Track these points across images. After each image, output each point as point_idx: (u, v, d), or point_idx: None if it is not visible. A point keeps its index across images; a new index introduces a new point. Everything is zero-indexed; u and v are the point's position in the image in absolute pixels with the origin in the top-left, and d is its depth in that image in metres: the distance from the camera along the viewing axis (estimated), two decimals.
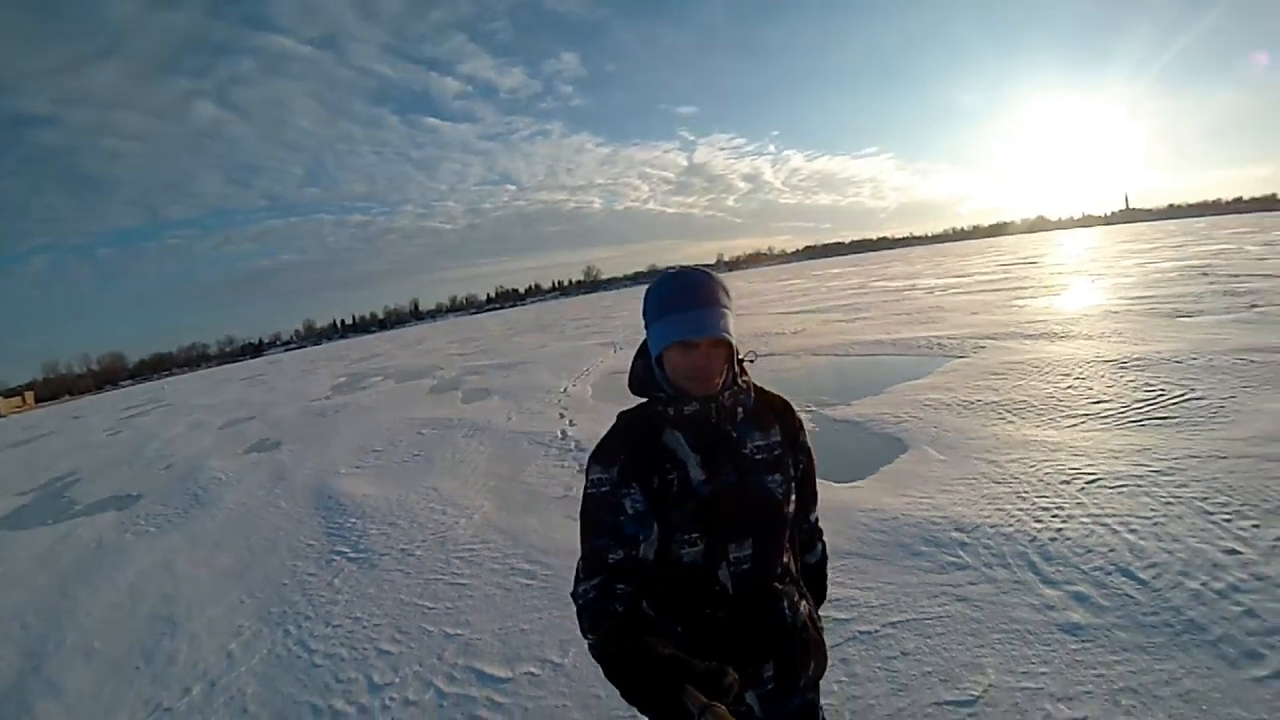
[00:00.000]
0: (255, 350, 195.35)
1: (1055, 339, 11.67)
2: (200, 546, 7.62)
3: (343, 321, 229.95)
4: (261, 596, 5.77)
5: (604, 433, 1.76)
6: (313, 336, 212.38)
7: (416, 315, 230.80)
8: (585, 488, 1.71)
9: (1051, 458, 5.92)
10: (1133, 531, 4.34)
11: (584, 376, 16.06)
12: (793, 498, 1.81)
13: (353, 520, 7.46)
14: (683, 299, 1.65)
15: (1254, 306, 12.65)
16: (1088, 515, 4.68)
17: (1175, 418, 6.56)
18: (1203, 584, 3.68)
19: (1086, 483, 5.25)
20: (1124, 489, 5.06)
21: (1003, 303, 18.46)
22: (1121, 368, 8.80)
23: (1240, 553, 3.94)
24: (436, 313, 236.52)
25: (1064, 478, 5.42)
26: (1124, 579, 3.86)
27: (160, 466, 14.15)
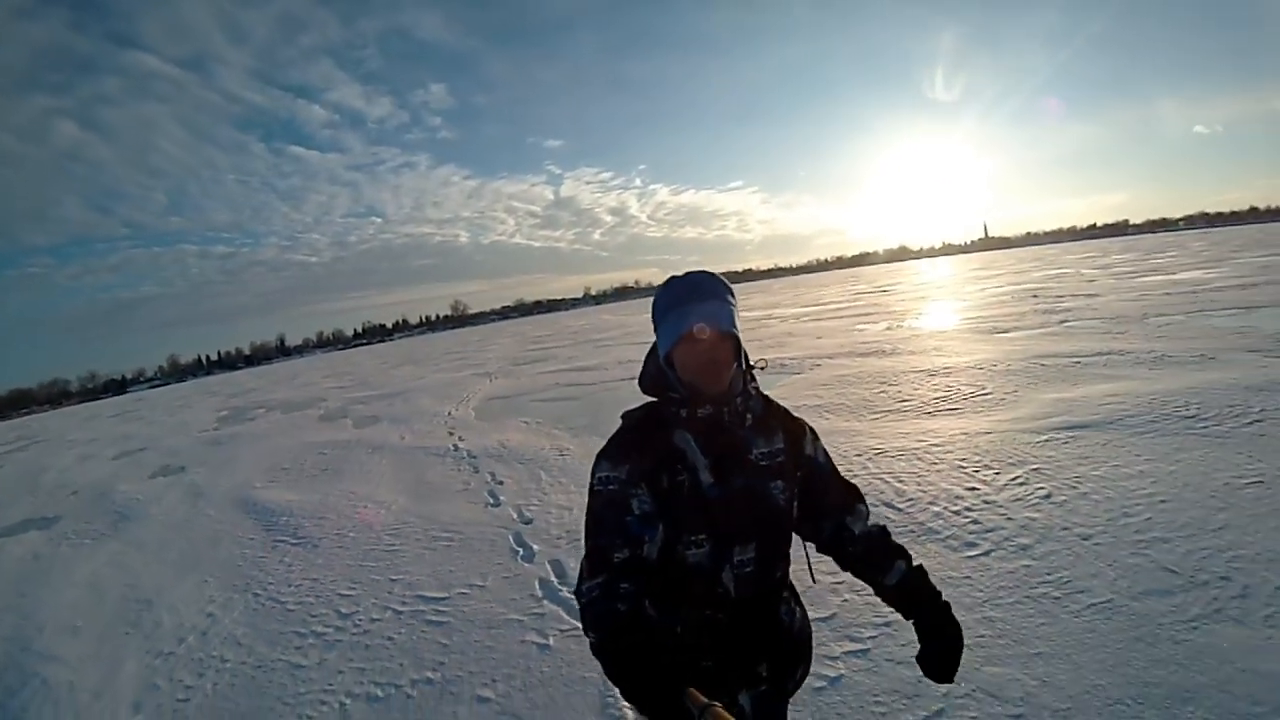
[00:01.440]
0: (119, 387, 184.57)
1: (882, 356, 13.75)
2: (144, 549, 8.14)
3: (208, 357, 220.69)
4: (222, 576, 6.59)
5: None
6: (178, 373, 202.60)
7: (283, 351, 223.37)
8: (592, 485, 1.70)
9: (851, 441, 7.62)
10: (900, 481, 6.07)
11: (465, 402, 16.98)
12: (794, 505, 1.82)
13: (284, 519, 8.27)
14: (688, 296, 1.68)
15: (1064, 322, 15.40)
16: (868, 474, 6.41)
17: (960, 409, 8.41)
18: (944, 508, 5.35)
19: (874, 454, 7.00)
20: (901, 457, 6.79)
21: (845, 328, 20.80)
22: (931, 375, 10.77)
23: (978, 489, 5.64)
24: (304, 348, 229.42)
25: (857, 452, 7.13)
26: (885, 508, 5.55)
27: (66, 493, 13.90)
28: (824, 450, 1.93)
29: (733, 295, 1.74)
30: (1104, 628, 3.43)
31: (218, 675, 4.59)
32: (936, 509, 5.36)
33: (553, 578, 5.32)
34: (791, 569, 1.90)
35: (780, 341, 19.20)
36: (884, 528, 1.91)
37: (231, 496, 10.24)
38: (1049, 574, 4.09)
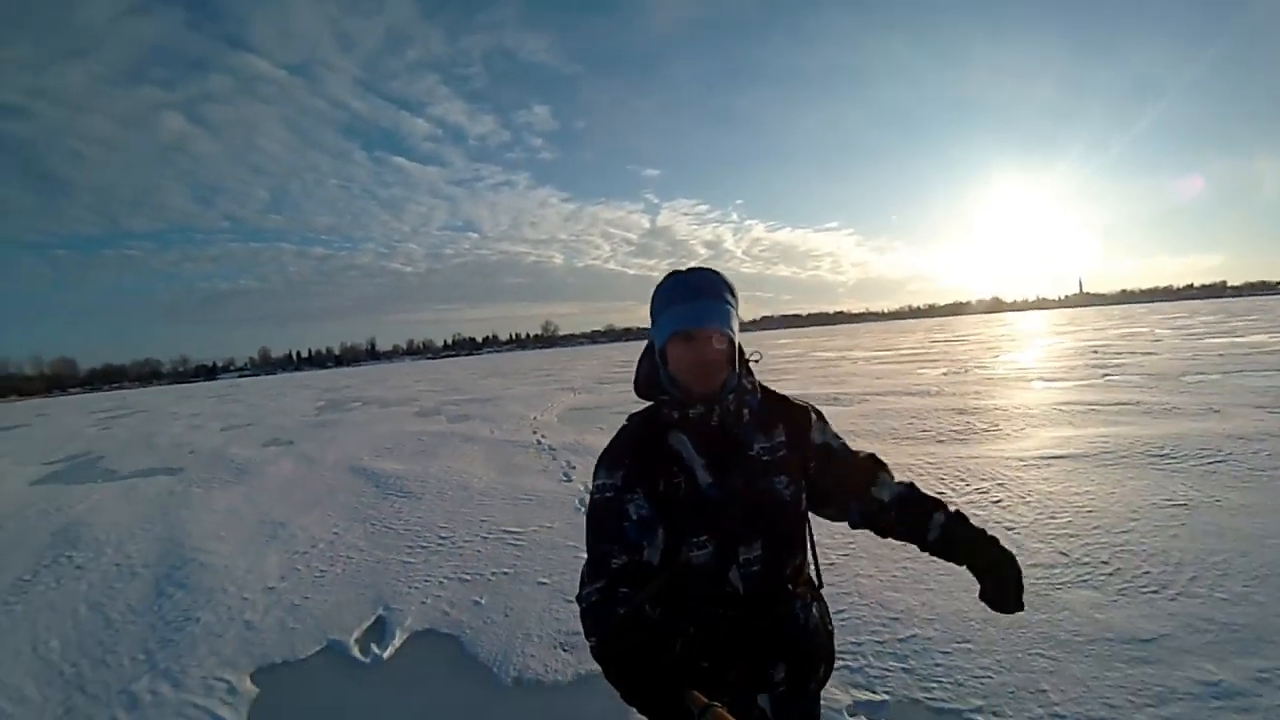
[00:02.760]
0: (209, 373, 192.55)
1: (926, 396, 14.97)
2: (269, 493, 10.07)
3: (299, 354, 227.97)
4: (342, 512, 8.39)
5: (607, 438, 1.85)
6: (267, 366, 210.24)
7: (373, 355, 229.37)
8: (591, 493, 1.74)
9: (895, 458, 8.87)
10: (918, 477, 7.32)
11: (549, 409, 18.74)
12: (802, 497, 1.83)
13: (390, 480, 10.09)
14: (686, 292, 1.71)
15: (1106, 376, 16.24)
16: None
17: (968, 440, 9.63)
18: (945, 486, 6.63)
19: (894, 466, 8.27)
20: (897, 470, 7.99)
21: (906, 371, 21.90)
22: (958, 413, 11.95)
23: (944, 494, 6.69)
24: (393, 354, 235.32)
25: (906, 461, 8.41)
26: None
27: (184, 452, 16.28)
28: (834, 432, 1.94)
29: (734, 295, 1.77)
30: None
31: (345, 565, 6.31)
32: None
33: None
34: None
35: (843, 379, 20.56)
36: (912, 484, 1.94)
37: (342, 464, 12.17)
38: None
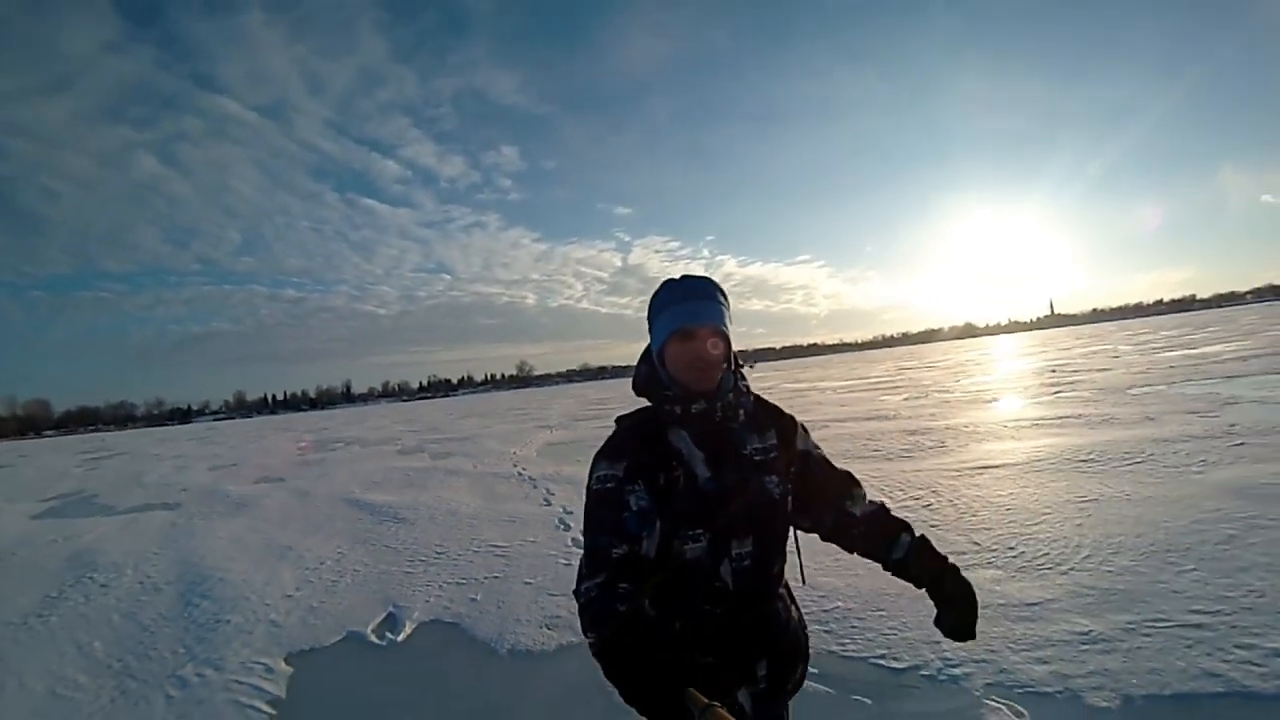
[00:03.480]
0: (184, 416, 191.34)
1: (883, 420, 16.10)
2: (270, 523, 10.82)
3: (274, 396, 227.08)
4: (343, 536, 9.19)
5: (585, 469, 1.91)
6: (243, 409, 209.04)
7: (348, 397, 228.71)
8: (590, 485, 1.79)
9: (866, 472, 9.82)
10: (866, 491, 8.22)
11: (528, 445, 19.64)
12: (789, 499, 1.89)
13: (384, 509, 10.90)
14: (682, 294, 1.82)
15: (1057, 393, 17.48)
16: None
17: (914, 457, 10.66)
18: (887, 497, 7.49)
19: (863, 479, 9.14)
20: (888, 482, 8.91)
21: (869, 399, 23.10)
22: (909, 434, 13.05)
23: (884, 502, 7.78)
24: (368, 396, 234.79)
25: (860, 474, 9.32)
26: None
27: (175, 489, 16.90)
28: (814, 443, 2.04)
29: (725, 298, 1.86)
30: None
31: (353, 577, 7.17)
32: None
33: (579, 536, 7.80)
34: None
35: (807, 408, 21.63)
36: (883, 505, 2.06)
37: (335, 496, 12.97)
38: None
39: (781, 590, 1.96)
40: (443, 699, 4.38)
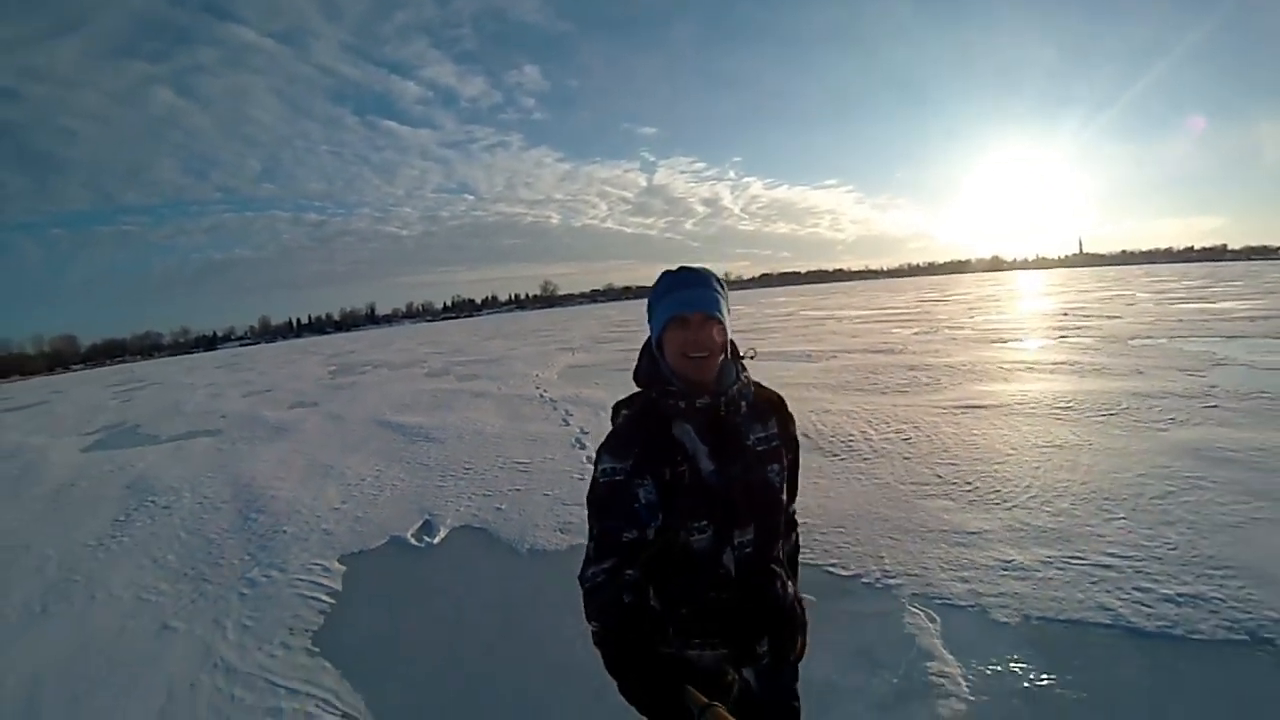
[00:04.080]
0: (209, 343, 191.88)
1: (889, 354, 16.75)
2: (310, 444, 11.79)
3: (298, 320, 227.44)
4: (378, 455, 10.14)
5: (613, 419, 2.02)
6: (268, 334, 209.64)
7: (373, 319, 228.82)
8: (596, 476, 1.85)
9: (815, 403, 10.65)
10: (825, 425, 8.97)
11: (550, 368, 20.57)
12: (785, 485, 2.00)
13: (415, 430, 11.85)
14: (678, 283, 1.88)
15: (1062, 338, 17.79)
16: (812, 421, 9.27)
17: (907, 391, 11.34)
18: (838, 438, 8.30)
19: (823, 411, 9.94)
20: (840, 414, 9.72)
21: (881, 330, 23.74)
22: (909, 369, 13.70)
23: (868, 432, 8.55)
24: (392, 318, 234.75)
25: (812, 409, 10.07)
26: (803, 437, 8.44)
27: (215, 416, 17.91)
28: (796, 437, 2.12)
29: (722, 287, 1.92)
30: (876, 494, 6.39)
31: (392, 491, 8.09)
32: (834, 438, 8.33)
33: (594, 454, 8.62)
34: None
35: (821, 338, 22.46)
36: (797, 548, 2.19)
37: (368, 419, 13.95)
38: (864, 470, 7.11)
39: (780, 569, 2.01)
40: (474, 591, 5.25)
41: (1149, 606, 4.06)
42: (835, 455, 7.82)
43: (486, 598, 5.11)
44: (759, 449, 1.91)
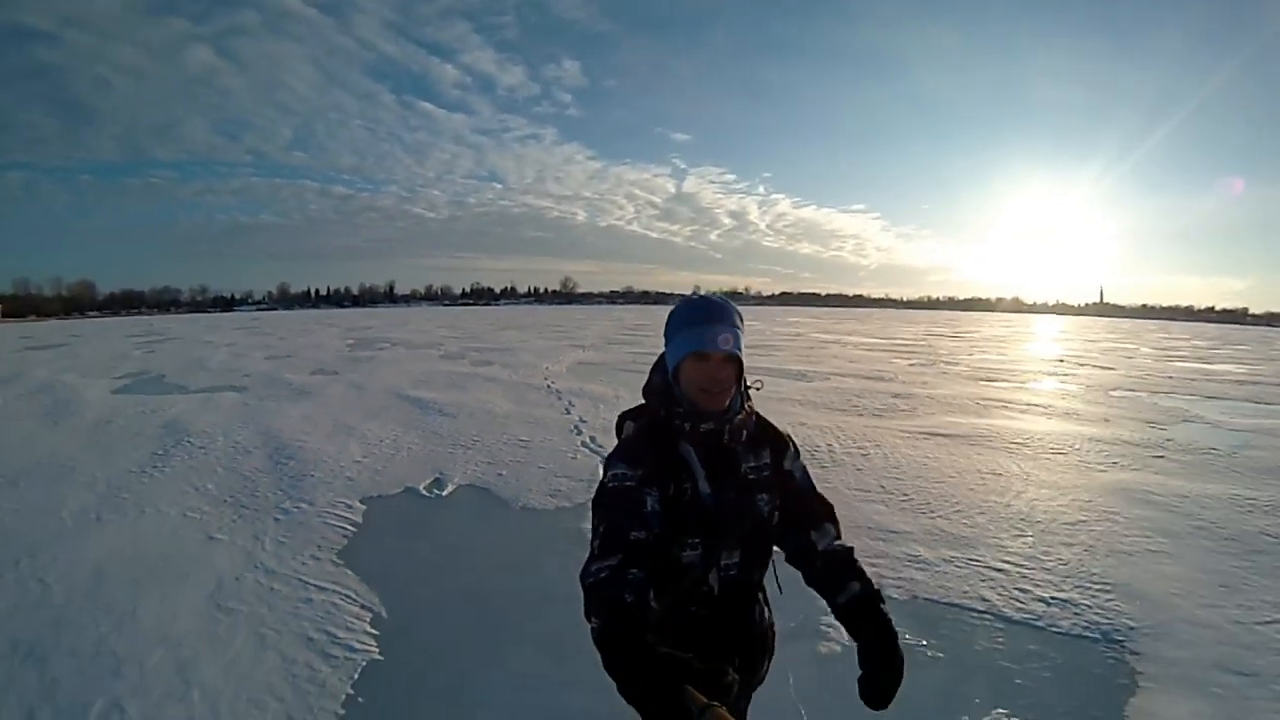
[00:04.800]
0: (226, 304, 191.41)
1: (879, 380, 17.76)
2: (332, 407, 12.88)
3: (317, 291, 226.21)
4: (397, 423, 11.20)
5: (618, 429, 2.11)
6: (285, 301, 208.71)
7: (391, 297, 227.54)
8: (605, 482, 1.91)
9: (794, 419, 11.52)
10: (798, 438, 9.91)
11: (560, 362, 21.73)
12: (776, 515, 2.06)
13: (430, 404, 12.98)
14: (702, 317, 1.92)
15: (1048, 383, 18.70)
16: (800, 434, 10.32)
17: (882, 416, 12.29)
18: (805, 449, 9.24)
19: (800, 425, 10.80)
20: (815, 430, 10.63)
21: (879, 359, 24.62)
22: (893, 396, 14.69)
23: (833, 447, 9.50)
24: (411, 298, 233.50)
25: (790, 422, 10.93)
26: (814, 447, 9.50)
27: (239, 375, 19.01)
28: (802, 466, 2.20)
29: (741, 321, 1.98)
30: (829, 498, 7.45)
31: (408, 452, 9.21)
32: (801, 449, 9.22)
33: (588, 440, 9.78)
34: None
35: (820, 360, 23.44)
36: (849, 549, 2.11)
37: (387, 391, 15.10)
38: (818, 476, 7.99)
39: (760, 595, 2.14)
40: (472, 533, 6.38)
41: (1022, 603, 4.93)
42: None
43: (482, 539, 6.22)
44: (751, 477, 2.01)
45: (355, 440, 9.98)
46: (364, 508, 6.99)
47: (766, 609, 2.17)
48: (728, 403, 1.95)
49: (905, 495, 7.47)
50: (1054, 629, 4.61)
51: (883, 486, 7.80)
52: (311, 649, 4.25)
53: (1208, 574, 5.51)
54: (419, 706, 3.72)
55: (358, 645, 4.31)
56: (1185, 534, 6.44)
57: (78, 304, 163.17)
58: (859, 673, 1.83)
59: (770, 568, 2.16)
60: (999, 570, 5.50)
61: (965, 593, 5.10)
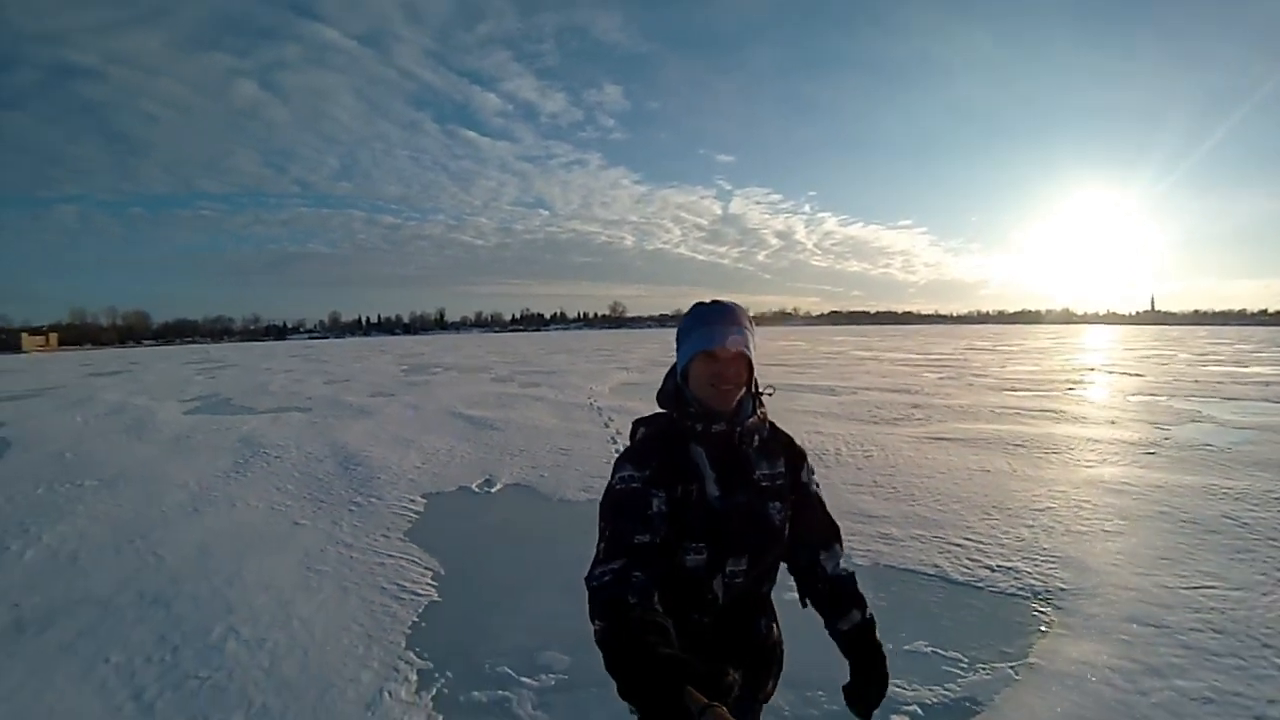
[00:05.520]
0: (279, 333, 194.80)
1: (903, 393, 18.75)
2: (391, 424, 14.28)
3: (368, 319, 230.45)
4: (451, 437, 12.53)
5: (632, 435, 2.12)
6: (337, 329, 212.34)
7: (441, 324, 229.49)
8: (613, 484, 1.93)
9: (813, 426, 12.54)
10: (810, 444, 10.93)
11: (604, 383, 23.13)
12: (787, 526, 2.04)
13: (482, 421, 14.37)
14: (710, 318, 1.96)
15: (1070, 390, 19.29)
16: (804, 436, 11.31)
17: (897, 424, 13.26)
18: (812, 452, 10.26)
19: (815, 433, 11.74)
20: (829, 436, 11.57)
21: (913, 373, 25.60)
22: (913, 407, 15.66)
23: (840, 450, 10.43)
24: (461, 325, 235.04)
25: (809, 430, 11.98)
26: (824, 450, 10.56)
27: (301, 398, 20.75)
28: (817, 482, 2.19)
29: (750, 324, 2.01)
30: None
31: (462, 460, 10.51)
32: (812, 452, 10.02)
33: (622, 448, 10.84)
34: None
35: (851, 376, 24.65)
36: (852, 575, 2.13)
37: (441, 410, 16.55)
38: (820, 474, 8.85)
39: (768, 606, 2.13)
40: (517, 518, 7.64)
41: (969, 570, 5.83)
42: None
43: (524, 522, 7.48)
44: (763, 484, 1.99)
45: (414, 450, 11.28)
46: (424, 501, 8.27)
47: (775, 624, 2.19)
48: (736, 402, 1.98)
49: (893, 488, 8.43)
50: (993, 589, 5.43)
51: (875, 481, 8.79)
52: (385, 594, 5.49)
53: (1153, 549, 6.20)
54: (466, 630, 4.91)
55: (420, 591, 5.55)
56: (1146, 517, 7.12)
57: (132, 333, 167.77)
58: (845, 681, 2.00)
59: (795, 582, 2.20)
60: (958, 545, 6.38)
61: (922, 561, 6.04)
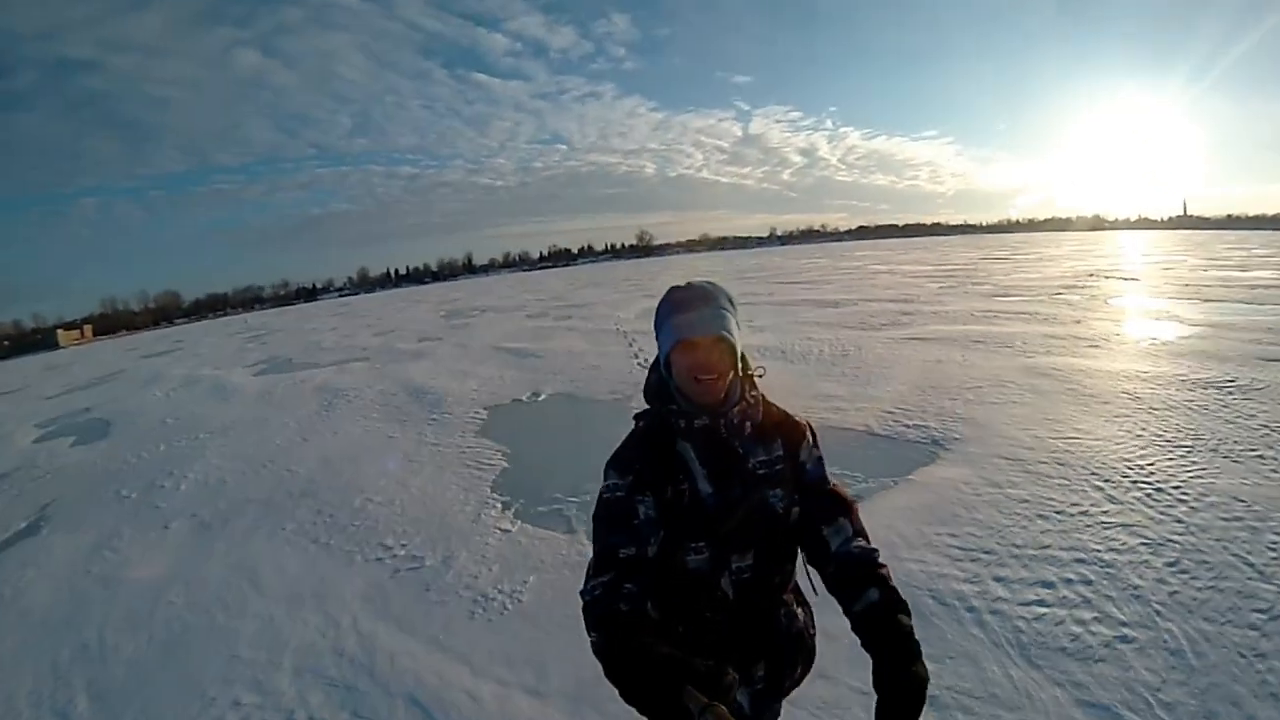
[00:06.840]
0: (309, 294, 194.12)
1: (900, 302, 20.44)
2: (445, 362, 16.76)
3: (396, 271, 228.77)
4: (499, 366, 15.00)
5: (624, 429, 2.03)
6: (367, 285, 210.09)
7: (470, 269, 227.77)
8: (601, 492, 1.92)
9: (809, 335, 14.53)
10: (819, 345, 13.12)
11: (629, 310, 25.52)
12: (794, 510, 1.94)
13: (523, 351, 16.91)
14: (684, 303, 1.86)
15: (1057, 294, 20.23)
16: (802, 344, 13.52)
17: (884, 327, 15.18)
18: (828, 349, 12.50)
19: (816, 339, 13.89)
20: (824, 340, 13.65)
21: (917, 284, 26.85)
22: (903, 313, 17.54)
23: (826, 352, 12.77)
24: (490, 267, 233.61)
25: (810, 338, 14.05)
26: (808, 352, 12.74)
27: (357, 349, 23.09)
28: (817, 457, 2.03)
29: (732, 303, 1.91)
30: (793, 377, 10.36)
31: (511, 381, 13.05)
32: (799, 353, 11.95)
33: (642, 361, 12.71)
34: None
35: (861, 289, 26.71)
36: (871, 552, 1.88)
37: (486, 346, 19.12)
38: (799, 369, 10.87)
39: (788, 596, 2.07)
40: (560, 416, 10.17)
41: (889, 425, 7.83)
42: (790, 361, 12.10)
43: (566, 417, 10.05)
44: (760, 472, 1.92)
45: (470, 379, 13.75)
46: (486, 412, 10.77)
47: (800, 611, 2.12)
48: (724, 392, 1.90)
49: (855, 376, 10.44)
50: (905, 440, 7.29)
51: (843, 373, 10.83)
52: (469, 468, 8.01)
53: (1045, 415, 7.59)
54: (529, 481, 7.32)
55: (494, 463, 8.09)
56: (1054, 393, 8.47)
57: (165, 313, 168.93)
58: (876, 700, 1.59)
59: (805, 570, 2.05)
60: (889, 412, 8.32)
61: (855, 422, 8.08)
